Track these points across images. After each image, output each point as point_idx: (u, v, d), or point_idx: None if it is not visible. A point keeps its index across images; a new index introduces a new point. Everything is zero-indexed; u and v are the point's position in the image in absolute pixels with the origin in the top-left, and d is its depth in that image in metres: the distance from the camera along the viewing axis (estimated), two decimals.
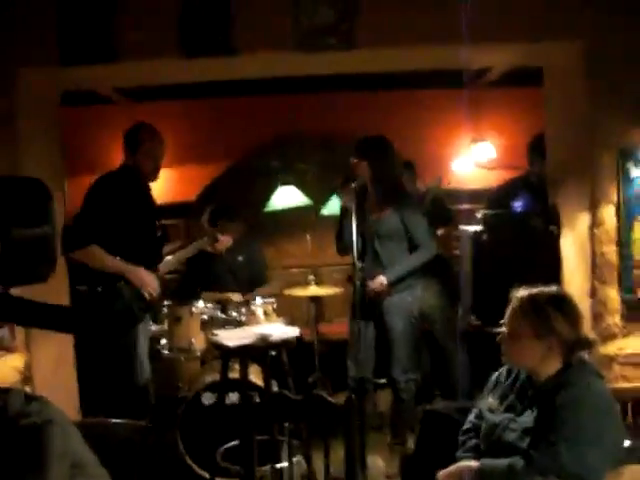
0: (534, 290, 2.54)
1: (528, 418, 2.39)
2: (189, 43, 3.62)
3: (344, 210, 4.57)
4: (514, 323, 2.52)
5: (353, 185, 4.20)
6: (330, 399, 2.72)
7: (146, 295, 4.08)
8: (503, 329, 2.57)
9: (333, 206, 5.54)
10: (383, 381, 5.01)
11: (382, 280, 4.35)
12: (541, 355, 2.46)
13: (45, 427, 2.16)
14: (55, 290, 3.89)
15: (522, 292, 2.55)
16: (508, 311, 2.56)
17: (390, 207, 4.40)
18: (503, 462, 2.27)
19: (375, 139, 4.48)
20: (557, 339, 2.46)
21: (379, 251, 4.45)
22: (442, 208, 5.55)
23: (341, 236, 4.64)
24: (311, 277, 5.34)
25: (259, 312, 4.70)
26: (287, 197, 5.81)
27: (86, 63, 3.62)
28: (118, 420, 2.77)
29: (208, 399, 4.40)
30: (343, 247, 4.65)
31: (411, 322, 4.46)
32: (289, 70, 4.21)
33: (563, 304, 2.51)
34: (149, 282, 4.11)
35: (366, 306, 4.32)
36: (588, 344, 2.54)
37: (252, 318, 4.67)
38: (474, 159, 6.51)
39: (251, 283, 5.59)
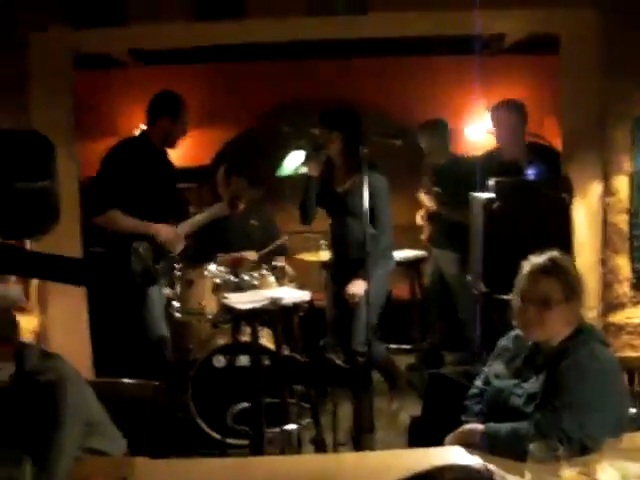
0: (551, 254, 2.51)
1: (534, 384, 2.41)
2: (201, 6, 3.61)
3: (309, 180, 4.56)
4: (541, 289, 2.43)
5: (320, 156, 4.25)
6: (338, 362, 2.76)
7: (165, 243, 4.12)
8: (518, 299, 2.49)
9: (287, 168, 5.60)
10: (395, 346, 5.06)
11: (360, 289, 4.27)
12: (566, 321, 2.43)
13: (60, 384, 2.21)
14: (68, 253, 3.94)
15: (538, 257, 2.51)
16: (526, 279, 2.49)
17: (360, 180, 4.09)
18: (507, 426, 2.30)
19: (343, 109, 4.48)
20: (579, 302, 2.47)
21: (350, 227, 4.47)
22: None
23: (305, 206, 4.62)
24: (322, 242, 5.37)
25: (271, 276, 4.73)
26: (299, 162, 5.79)
27: (98, 26, 3.63)
28: (130, 380, 2.81)
29: (219, 362, 4.47)
30: (307, 217, 4.65)
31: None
32: (300, 34, 4.19)
33: (575, 267, 2.53)
34: (173, 236, 4.16)
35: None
36: None
37: (264, 282, 4.70)
38: (487, 126, 6.45)
39: (265, 246, 5.64)
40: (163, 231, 4.12)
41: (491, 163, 4.41)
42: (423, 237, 5.71)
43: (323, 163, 4.44)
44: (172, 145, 4.31)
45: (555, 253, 2.52)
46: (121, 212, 4.00)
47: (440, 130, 5.46)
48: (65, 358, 2.36)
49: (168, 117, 4.17)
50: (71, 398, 2.22)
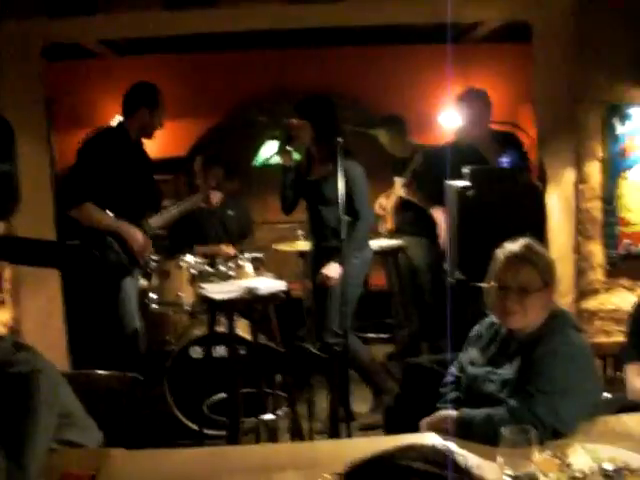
0: (526, 240, 2.52)
1: (508, 370, 2.42)
2: None
3: (286, 170, 4.55)
4: (519, 276, 2.42)
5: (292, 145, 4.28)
6: (314, 350, 2.77)
7: (135, 250, 4.10)
8: (495, 286, 2.48)
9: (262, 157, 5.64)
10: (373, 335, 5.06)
11: (335, 272, 4.27)
12: (543, 307, 2.44)
13: (33, 376, 2.19)
14: None
15: (513, 245, 2.51)
16: (503, 266, 2.48)
17: (334, 168, 4.10)
18: (482, 411, 2.32)
19: (317, 98, 4.47)
20: (554, 288, 2.48)
21: (324, 215, 4.46)
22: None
23: (284, 195, 4.60)
24: (299, 232, 5.38)
25: (247, 266, 4.73)
26: (273, 152, 5.78)
27: (68, 15, 3.59)
28: (104, 371, 2.80)
29: (196, 352, 4.46)
30: (286, 206, 4.65)
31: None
32: (274, 23, 4.18)
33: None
34: (139, 239, 4.13)
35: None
36: None
37: (240, 272, 4.70)
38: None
39: (240, 236, 5.66)
40: (135, 237, 4.09)
41: (454, 151, 4.41)
42: (388, 226, 5.71)
43: (300, 153, 4.42)
44: (149, 136, 4.29)
45: (529, 240, 2.53)
46: (96, 206, 3.96)
47: (397, 125, 5.50)
48: (39, 350, 2.34)
49: (146, 108, 4.14)
50: (44, 390, 2.20)
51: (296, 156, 4.52)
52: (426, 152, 5.18)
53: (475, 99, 4.42)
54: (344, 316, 3.99)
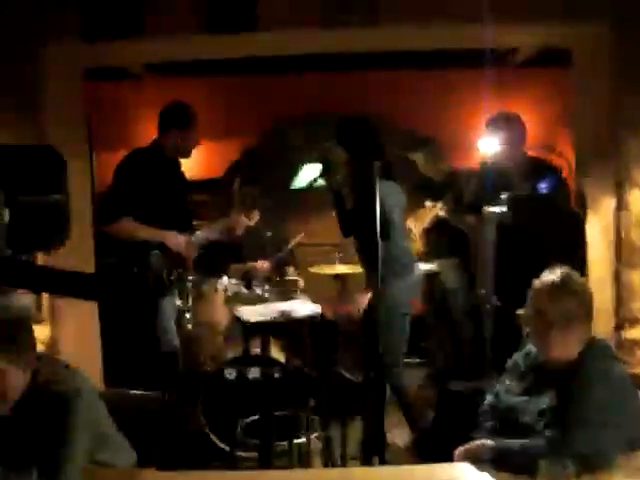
0: (564, 271, 2.47)
1: (545, 400, 2.39)
2: (213, 19, 3.62)
3: (333, 193, 4.45)
4: (562, 307, 2.38)
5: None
6: (348, 376, 2.75)
7: (183, 255, 4.14)
8: (535, 318, 2.44)
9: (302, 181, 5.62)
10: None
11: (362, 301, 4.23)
12: (583, 336, 2.40)
13: (73, 396, 2.21)
14: (80, 267, 3.95)
15: (552, 275, 2.46)
16: (544, 297, 2.42)
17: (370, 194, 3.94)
18: (518, 442, 2.28)
19: (351, 120, 4.39)
20: (592, 318, 2.44)
21: (362, 240, 4.36)
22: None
23: (342, 220, 4.47)
24: (337, 255, 5.36)
25: (284, 289, 4.74)
26: (313, 175, 5.80)
27: (109, 39, 3.64)
28: (138, 391, 2.81)
29: (231, 374, 4.46)
30: (342, 229, 4.51)
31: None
32: (314, 47, 4.19)
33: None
34: (185, 244, 4.16)
35: None
36: None
37: (277, 294, 4.71)
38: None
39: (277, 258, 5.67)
40: (175, 240, 4.13)
41: (487, 175, 4.36)
42: (418, 248, 5.65)
43: (341, 176, 4.36)
44: (185, 155, 4.31)
45: (567, 270, 2.49)
46: (133, 220, 4.00)
47: (430, 148, 5.49)
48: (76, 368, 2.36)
49: (177, 128, 4.17)
50: (82, 410, 2.22)
51: (339, 179, 4.46)
52: (467, 175, 5.12)
53: (507, 122, 4.38)
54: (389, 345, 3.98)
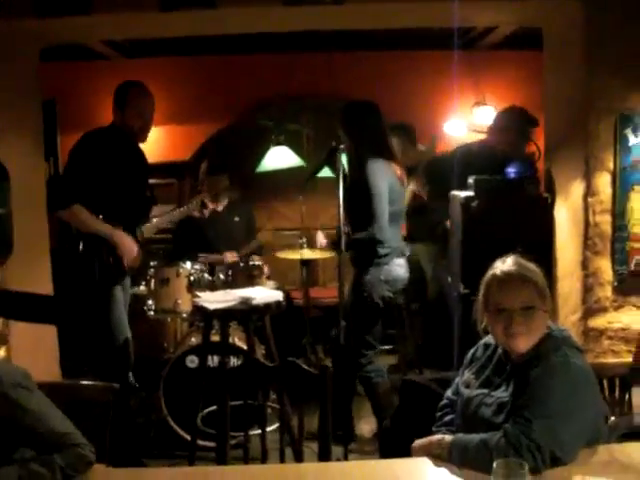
0: (515, 257, 2.39)
1: (503, 393, 2.31)
2: None
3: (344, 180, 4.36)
4: (523, 296, 2.30)
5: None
6: (305, 367, 2.65)
7: (124, 262, 4.00)
8: (494, 309, 2.34)
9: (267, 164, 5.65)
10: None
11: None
12: (544, 324, 2.33)
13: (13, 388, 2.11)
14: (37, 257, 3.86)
15: (504, 264, 2.39)
16: (503, 287, 2.33)
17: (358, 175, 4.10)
18: (476, 437, 2.19)
19: (349, 104, 4.29)
20: (550, 305, 2.38)
21: (351, 222, 4.25)
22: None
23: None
24: (303, 240, 5.26)
25: (249, 274, 4.66)
26: (280, 158, 5.69)
27: (62, 14, 3.49)
28: (88, 382, 2.71)
29: (192, 362, 4.37)
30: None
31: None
32: (275, 26, 4.07)
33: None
34: (130, 249, 4.02)
35: None
36: None
37: (240, 280, 4.62)
38: (474, 122, 6.32)
39: (246, 243, 5.59)
40: (121, 241, 3.97)
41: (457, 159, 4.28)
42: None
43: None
44: (140, 136, 4.14)
45: (518, 256, 2.41)
46: (85, 209, 3.85)
47: (407, 133, 5.39)
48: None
49: (118, 109, 4.04)
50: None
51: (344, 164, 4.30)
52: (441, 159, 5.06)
53: (517, 118, 4.33)
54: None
